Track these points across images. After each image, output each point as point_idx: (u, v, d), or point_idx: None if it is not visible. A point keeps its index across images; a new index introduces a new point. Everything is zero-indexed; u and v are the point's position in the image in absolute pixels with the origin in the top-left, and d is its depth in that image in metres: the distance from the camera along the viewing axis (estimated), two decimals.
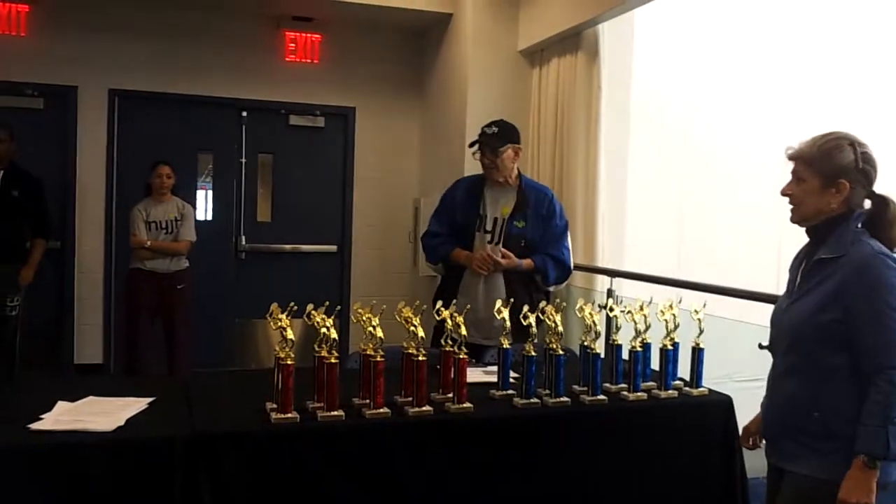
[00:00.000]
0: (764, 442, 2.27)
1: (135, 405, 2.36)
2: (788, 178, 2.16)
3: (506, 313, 2.64)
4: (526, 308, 2.65)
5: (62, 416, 2.23)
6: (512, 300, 2.77)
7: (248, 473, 2.16)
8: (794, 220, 2.16)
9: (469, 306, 2.54)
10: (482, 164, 3.65)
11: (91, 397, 2.44)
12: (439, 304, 2.60)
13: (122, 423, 2.19)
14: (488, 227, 3.64)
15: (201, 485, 2.08)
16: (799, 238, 2.22)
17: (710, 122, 5.67)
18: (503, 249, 3.60)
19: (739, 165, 5.60)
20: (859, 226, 2.07)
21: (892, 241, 2.06)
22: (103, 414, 2.25)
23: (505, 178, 3.64)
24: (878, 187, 2.12)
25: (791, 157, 2.13)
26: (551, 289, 3.71)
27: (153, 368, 5.20)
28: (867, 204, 2.10)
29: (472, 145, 3.67)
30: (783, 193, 2.15)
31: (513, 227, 3.61)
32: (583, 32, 5.02)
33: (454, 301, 2.74)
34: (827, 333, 2.02)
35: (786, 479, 2.12)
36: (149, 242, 5.06)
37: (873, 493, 1.92)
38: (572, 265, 3.77)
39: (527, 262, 3.61)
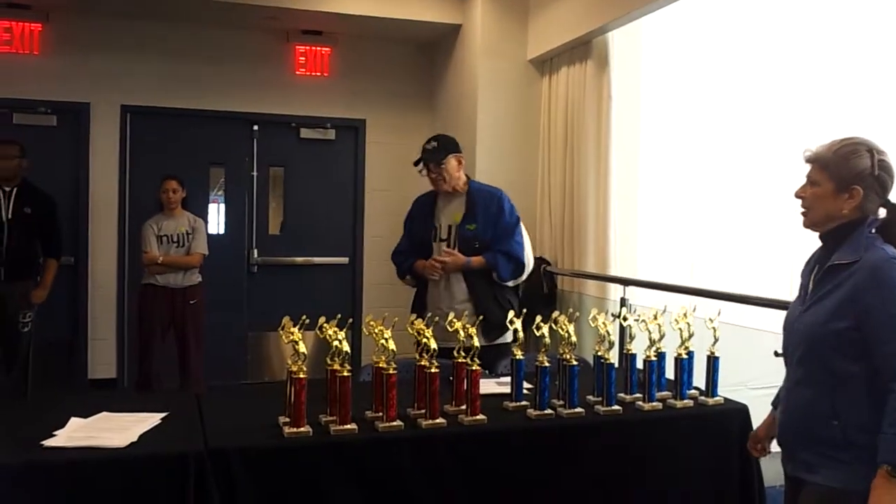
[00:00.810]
0: (778, 449, 2.24)
1: (148, 421, 2.36)
2: (802, 181, 2.14)
3: (518, 323, 2.63)
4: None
5: (75, 433, 2.23)
6: (482, 316, 2.91)
7: (261, 488, 2.15)
8: (805, 224, 2.13)
9: (437, 319, 2.57)
10: (430, 180, 3.82)
11: (104, 413, 2.44)
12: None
13: (134, 438, 2.19)
14: (443, 236, 3.79)
15: (214, 500, 2.07)
16: (811, 243, 2.19)
17: (721, 129, 5.64)
18: (446, 249, 3.74)
19: (750, 172, 5.56)
20: (873, 231, 2.05)
21: None
22: (116, 430, 2.25)
23: (452, 187, 3.79)
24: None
25: (808, 160, 2.11)
26: (510, 284, 3.78)
27: (166, 383, 5.20)
28: (882, 212, 2.08)
29: (416, 163, 3.83)
30: (796, 196, 2.13)
31: (465, 230, 3.74)
32: (592, 41, 5.02)
33: (426, 311, 2.84)
34: (842, 340, 1.99)
35: (805, 490, 2.08)
36: (161, 258, 5.07)
37: None
38: (528, 259, 3.81)
39: (476, 260, 3.71)
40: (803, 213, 2.13)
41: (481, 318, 3.00)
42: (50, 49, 5.75)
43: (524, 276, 3.84)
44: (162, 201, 5.19)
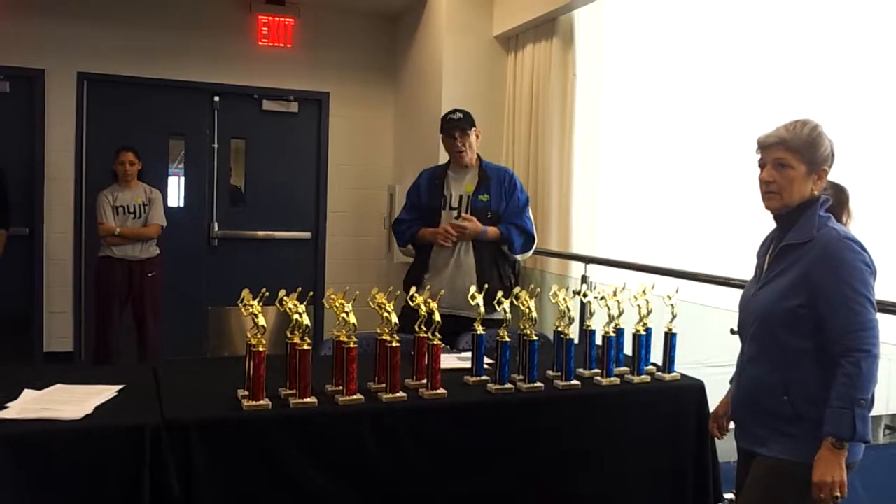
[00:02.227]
0: (733, 426, 2.29)
1: (104, 393, 2.33)
2: (754, 164, 2.16)
3: (480, 299, 2.64)
4: (500, 294, 2.66)
5: (29, 405, 2.19)
6: (486, 284, 2.85)
7: (218, 462, 2.14)
8: (773, 206, 2.13)
9: (443, 291, 2.64)
10: (453, 149, 3.86)
11: (59, 385, 2.40)
12: (413, 290, 2.63)
13: (90, 411, 2.16)
14: (454, 205, 3.85)
15: (171, 473, 2.06)
16: (768, 223, 2.23)
17: (681, 110, 5.69)
18: (465, 215, 3.78)
19: (710, 153, 5.63)
20: (825, 212, 2.09)
21: (845, 227, 2.10)
22: (71, 402, 2.22)
23: (470, 159, 3.88)
24: (847, 177, 2.16)
25: (771, 144, 2.11)
26: (518, 258, 3.92)
27: (124, 356, 5.14)
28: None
29: (443, 131, 3.88)
30: (765, 180, 2.12)
31: (477, 201, 3.82)
32: (558, 18, 5.01)
33: (425, 281, 2.87)
34: (794, 318, 2.04)
35: (755, 462, 2.14)
36: (118, 230, 4.99)
37: (844, 472, 1.95)
38: (536, 236, 3.95)
39: (492, 230, 3.79)
40: (771, 196, 2.12)
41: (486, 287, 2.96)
42: (3, 13, 5.57)
43: (531, 252, 3.96)
44: (117, 173, 5.09)
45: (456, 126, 3.83)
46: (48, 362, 5.81)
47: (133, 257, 5.05)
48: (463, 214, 3.80)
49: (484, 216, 3.80)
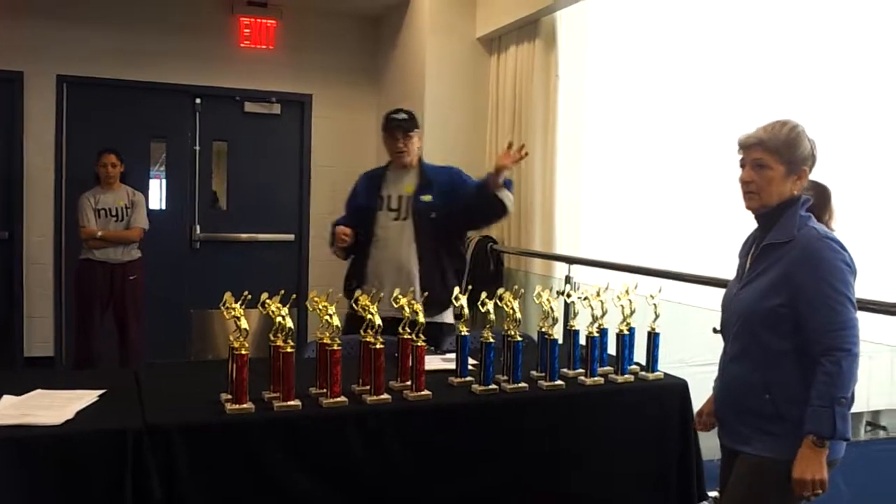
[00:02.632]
0: (717, 424, 2.31)
1: (84, 398, 2.30)
2: (736, 164, 2.18)
3: (464, 300, 2.64)
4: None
5: (8, 410, 2.16)
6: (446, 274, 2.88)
7: (201, 466, 2.12)
8: (752, 206, 2.16)
9: (375, 292, 2.52)
10: (394, 149, 3.79)
11: (39, 390, 2.37)
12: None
13: (70, 416, 2.13)
14: (393, 206, 3.76)
15: (153, 478, 2.04)
16: (750, 223, 2.24)
17: (663, 111, 5.72)
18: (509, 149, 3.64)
19: (692, 154, 5.66)
20: (805, 212, 2.11)
21: (827, 226, 2.12)
22: (52, 407, 2.19)
23: (411, 161, 3.81)
24: (829, 177, 2.18)
25: (750, 145, 2.13)
26: (509, 204, 3.69)
27: (105, 360, 5.10)
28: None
29: (386, 130, 3.81)
30: (744, 181, 2.14)
31: (419, 201, 3.72)
32: (540, 20, 5.03)
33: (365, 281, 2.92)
34: (775, 317, 2.06)
35: (738, 460, 2.16)
36: (100, 233, 4.95)
37: (825, 469, 1.97)
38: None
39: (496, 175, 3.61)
40: (751, 196, 2.14)
41: (426, 294, 2.97)
42: None
43: (511, 202, 3.77)
44: (100, 176, 5.05)
45: (399, 126, 3.77)
46: (28, 367, 5.75)
47: (114, 260, 5.01)
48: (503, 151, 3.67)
49: (427, 216, 3.71)
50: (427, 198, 3.72)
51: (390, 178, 3.84)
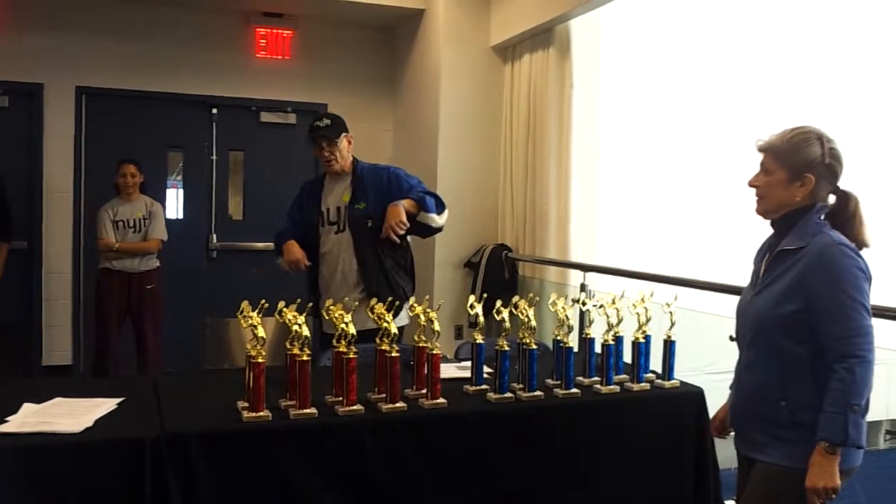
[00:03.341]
0: (733, 432, 2.29)
1: (103, 406, 2.32)
2: (751, 170, 2.18)
3: (479, 308, 2.64)
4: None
5: (28, 418, 2.19)
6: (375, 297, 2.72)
7: (219, 473, 2.13)
8: (758, 211, 2.18)
9: (357, 303, 2.49)
10: (321, 158, 3.65)
11: (59, 398, 2.40)
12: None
13: (90, 424, 2.15)
14: (332, 219, 3.65)
15: (171, 485, 2.06)
16: (765, 230, 2.24)
17: (678, 118, 5.71)
18: (397, 204, 3.49)
19: (707, 160, 5.64)
20: (822, 218, 2.10)
21: (853, 237, 2.08)
22: (71, 415, 2.22)
23: (342, 167, 3.65)
24: (846, 183, 2.15)
25: (760, 149, 2.16)
26: (438, 220, 3.58)
27: (124, 369, 5.13)
28: (832, 199, 2.13)
29: (310, 140, 3.65)
30: (750, 184, 2.18)
31: (354, 210, 3.59)
32: (554, 28, 5.04)
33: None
34: (790, 323, 2.05)
35: (755, 468, 2.14)
36: (118, 245, 4.99)
37: (837, 477, 1.95)
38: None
39: (408, 203, 3.51)
40: (757, 201, 2.18)
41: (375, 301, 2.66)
42: (2, 28, 5.60)
43: (446, 213, 3.64)
44: (119, 186, 5.10)
45: (322, 136, 3.59)
46: (46, 375, 5.80)
47: (132, 269, 5.05)
48: (391, 205, 3.48)
49: (363, 225, 3.55)
50: (361, 206, 3.58)
51: (328, 187, 3.71)
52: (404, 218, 3.48)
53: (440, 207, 3.61)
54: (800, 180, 2.09)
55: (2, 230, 4.85)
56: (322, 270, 3.67)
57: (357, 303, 2.50)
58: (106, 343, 5.09)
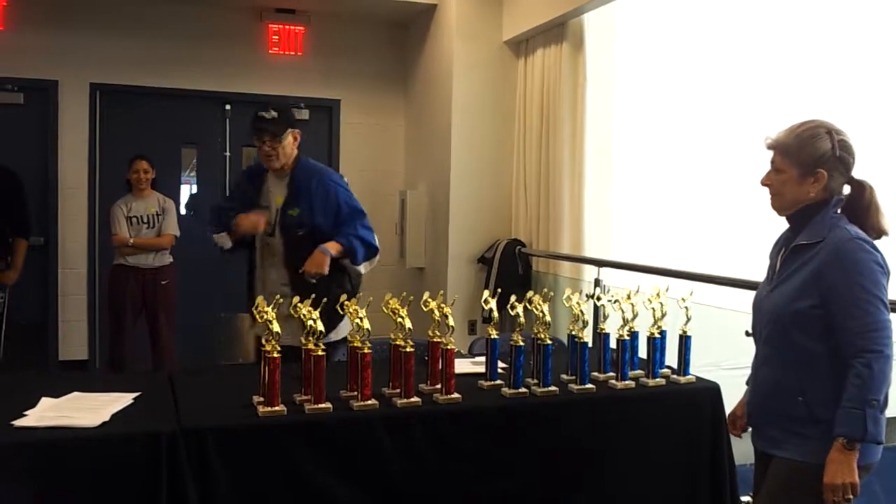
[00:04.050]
0: (750, 428, 2.28)
1: (120, 400, 2.34)
2: (766, 165, 2.17)
3: (493, 303, 2.64)
4: (506, 298, 2.64)
5: (46, 413, 2.21)
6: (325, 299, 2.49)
7: (234, 468, 2.14)
8: (773, 207, 2.17)
9: (280, 299, 2.34)
10: (261, 153, 3.33)
11: (76, 393, 2.42)
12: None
13: (106, 418, 2.17)
14: (270, 221, 3.36)
15: (187, 480, 2.07)
16: (781, 224, 2.22)
17: (693, 112, 5.68)
18: (307, 270, 3.18)
19: (723, 155, 5.62)
20: (838, 211, 2.08)
21: (870, 226, 2.07)
22: (88, 410, 2.23)
23: (283, 165, 3.35)
24: (859, 174, 2.12)
25: (769, 147, 2.14)
26: (361, 270, 3.38)
27: (138, 364, 5.16)
28: (846, 189, 2.11)
29: (252, 132, 3.34)
30: (762, 184, 2.16)
31: (286, 216, 3.30)
32: (567, 23, 5.01)
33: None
34: (807, 319, 2.03)
35: (772, 464, 2.13)
36: (132, 241, 5.02)
37: (856, 473, 1.93)
38: (378, 245, 3.41)
39: (334, 247, 3.24)
40: (771, 198, 2.16)
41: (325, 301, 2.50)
42: (16, 25, 5.63)
43: (376, 259, 3.43)
44: (132, 182, 5.13)
45: (266, 130, 3.26)
46: (63, 370, 5.84)
47: (146, 265, 5.08)
48: (306, 271, 3.17)
49: (294, 233, 3.26)
50: (294, 212, 3.30)
51: (269, 183, 3.41)
52: (325, 270, 3.18)
53: (369, 254, 3.36)
54: (812, 176, 2.07)
55: (21, 227, 4.87)
56: (258, 273, 3.43)
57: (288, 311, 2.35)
58: (121, 338, 5.12)
